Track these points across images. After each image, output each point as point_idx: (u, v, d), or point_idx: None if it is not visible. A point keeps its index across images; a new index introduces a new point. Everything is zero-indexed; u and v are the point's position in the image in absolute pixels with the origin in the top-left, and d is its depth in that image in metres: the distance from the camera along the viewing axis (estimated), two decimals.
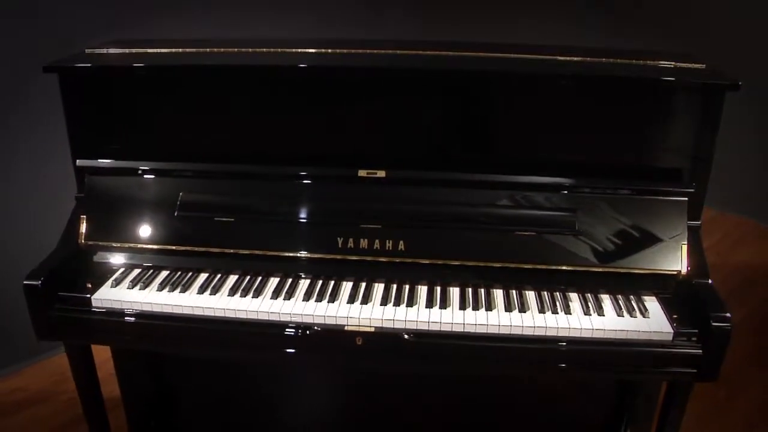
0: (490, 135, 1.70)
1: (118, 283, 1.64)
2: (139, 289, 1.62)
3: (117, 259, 1.72)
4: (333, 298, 1.57)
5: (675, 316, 1.51)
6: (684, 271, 1.55)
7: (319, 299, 1.56)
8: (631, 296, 1.57)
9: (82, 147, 1.75)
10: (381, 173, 1.62)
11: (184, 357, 2.04)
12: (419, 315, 1.51)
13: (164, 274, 1.67)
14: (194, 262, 1.68)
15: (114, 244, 1.70)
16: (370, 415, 2.06)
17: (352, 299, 1.56)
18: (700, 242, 1.60)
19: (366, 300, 1.56)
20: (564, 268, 1.58)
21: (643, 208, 1.59)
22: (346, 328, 1.50)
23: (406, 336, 1.47)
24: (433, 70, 1.70)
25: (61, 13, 2.30)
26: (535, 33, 3.65)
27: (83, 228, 1.70)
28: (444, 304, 1.54)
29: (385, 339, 1.49)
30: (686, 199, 1.57)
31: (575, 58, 1.71)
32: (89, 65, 1.69)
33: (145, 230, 1.69)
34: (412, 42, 1.94)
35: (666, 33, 3.83)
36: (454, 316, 1.50)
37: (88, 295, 1.59)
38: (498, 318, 1.49)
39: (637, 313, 1.51)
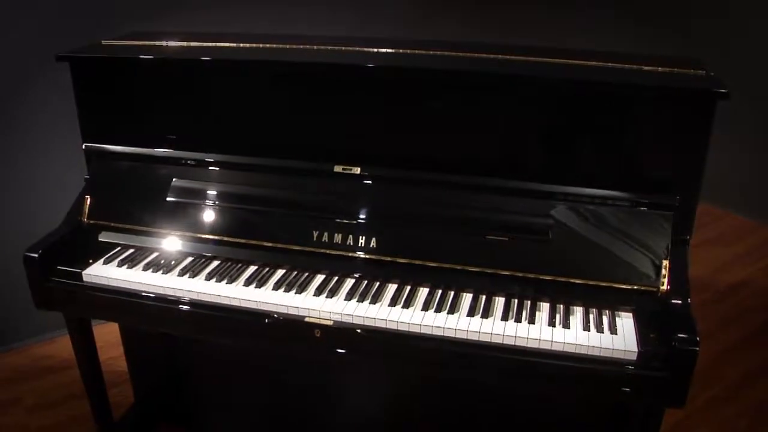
0: (466, 136, 1.66)
1: (109, 260, 1.74)
2: (127, 268, 1.71)
3: (115, 238, 1.80)
4: (302, 289, 1.59)
5: (652, 336, 1.43)
6: (664, 288, 1.46)
7: (288, 290, 1.59)
8: (606, 311, 1.50)
9: (91, 132, 1.86)
10: (356, 170, 1.63)
11: (196, 338, 2.12)
12: (378, 312, 1.50)
13: (153, 255, 1.75)
14: (181, 246, 1.75)
15: (113, 224, 1.80)
16: (377, 404, 2.05)
17: (319, 292, 1.58)
18: (686, 259, 1.50)
19: (332, 294, 1.57)
20: (537, 276, 1.53)
21: (625, 219, 1.51)
22: (306, 319, 1.52)
23: (358, 331, 1.47)
24: (407, 68, 1.69)
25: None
26: (540, 34, 3.54)
27: (87, 207, 1.81)
28: (407, 304, 1.53)
29: (341, 333, 1.49)
30: (671, 212, 1.48)
31: (555, 60, 1.65)
32: (95, 55, 1.80)
33: (140, 213, 1.78)
34: (391, 41, 1.93)
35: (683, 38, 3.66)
36: (412, 317, 1.48)
37: (80, 270, 1.70)
38: (457, 322, 1.46)
39: (605, 329, 1.43)
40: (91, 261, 1.75)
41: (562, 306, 1.52)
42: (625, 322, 1.47)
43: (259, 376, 2.12)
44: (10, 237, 2.43)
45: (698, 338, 1.31)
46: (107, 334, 2.44)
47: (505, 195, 1.57)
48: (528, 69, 1.62)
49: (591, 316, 1.48)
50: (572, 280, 1.51)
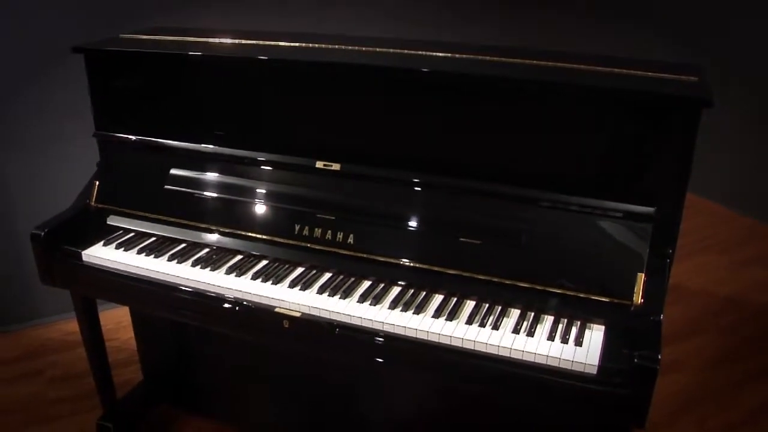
0: (445, 138, 1.65)
1: (109, 243, 1.83)
2: (123, 251, 1.79)
3: (120, 222, 1.89)
4: (278, 280, 1.62)
5: (625, 352, 1.37)
6: (638, 302, 1.40)
7: (266, 280, 1.62)
8: (577, 322, 1.45)
9: (102, 121, 1.96)
10: (336, 166, 1.65)
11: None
12: (345, 308, 1.51)
13: (150, 240, 1.83)
14: (176, 233, 1.81)
15: (117, 209, 1.89)
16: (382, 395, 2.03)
17: (294, 284, 1.60)
18: (664, 273, 1.43)
19: (306, 287, 1.59)
20: (510, 282, 1.50)
21: (603, 228, 1.46)
22: (276, 309, 1.55)
23: (323, 324, 1.49)
24: (391, 68, 1.69)
25: None
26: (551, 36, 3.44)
27: (95, 192, 1.91)
28: (376, 302, 1.53)
29: (307, 325, 1.51)
30: (649, 224, 1.42)
31: (539, 63, 1.61)
32: (106, 48, 1.89)
33: (142, 199, 1.86)
34: (379, 39, 1.94)
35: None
36: (377, 314, 1.49)
37: (80, 250, 1.79)
38: (420, 322, 1.46)
39: (571, 341, 1.39)
40: (96, 242, 1.84)
41: (532, 314, 1.48)
42: (595, 334, 1.42)
43: (267, 364, 2.17)
44: (39, 218, 2.59)
45: (659, 356, 1.25)
46: (128, 315, 2.55)
47: (482, 198, 1.55)
48: (502, 70, 1.59)
49: (560, 326, 1.44)
50: (545, 288, 1.48)
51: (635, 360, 1.25)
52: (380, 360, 1.49)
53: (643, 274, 1.41)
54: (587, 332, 1.42)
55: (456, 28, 3.39)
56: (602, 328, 1.44)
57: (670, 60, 1.68)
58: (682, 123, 1.36)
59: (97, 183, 1.91)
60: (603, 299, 1.44)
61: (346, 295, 1.56)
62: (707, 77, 1.48)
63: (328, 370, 2.04)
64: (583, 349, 1.37)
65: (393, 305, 1.52)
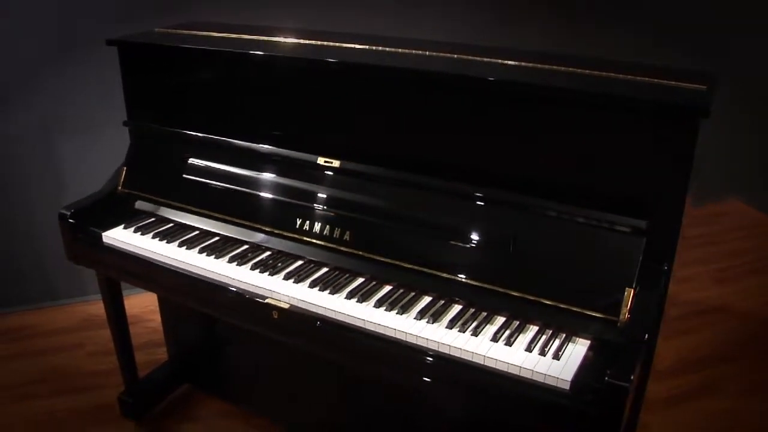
0: (446, 141, 1.63)
1: (129, 226, 1.92)
2: (140, 235, 1.88)
3: (143, 207, 1.99)
4: (275, 272, 1.66)
5: (604, 369, 1.32)
6: (624, 318, 1.34)
7: (263, 271, 1.66)
8: (562, 334, 1.41)
9: (133, 111, 2.07)
10: (336, 163, 1.67)
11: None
12: (332, 303, 1.53)
13: (167, 226, 1.91)
14: (191, 221, 1.89)
15: (142, 194, 1.99)
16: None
17: (288, 277, 1.64)
18: (657, 289, 1.36)
19: (300, 280, 1.62)
20: (500, 289, 1.47)
21: (595, 240, 1.40)
22: (266, 300, 1.58)
23: (309, 317, 1.52)
24: (401, 69, 1.68)
25: None
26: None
27: (122, 178, 2.02)
28: (363, 299, 1.54)
29: (295, 318, 1.54)
30: (642, 237, 1.35)
31: (536, 65, 1.57)
32: (137, 42, 1.98)
33: (163, 187, 1.95)
34: (378, 38, 1.93)
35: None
36: (362, 311, 1.49)
37: (101, 232, 1.90)
38: (400, 322, 1.45)
39: (549, 353, 1.35)
40: (119, 225, 1.94)
41: (517, 322, 1.45)
42: (578, 349, 1.37)
43: (286, 356, 2.19)
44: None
45: (632, 377, 1.19)
46: None
47: (475, 202, 1.53)
48: (498, 72, 1.55)
49: (542, 337, 1.40)
50: (532, 298, 1.43)
51: (606, 378, 1.20)
52: (359, 358, 1.50)
53: (632, 290, 1.34)
54: (570, 346, 1.38)
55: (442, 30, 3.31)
56: (587, 342, 1.39)
57: (690, 67, 1.59)
58: (679, 133, 1.28)
59: (125, 169, 2.02)
60: (590, 313, 1.38)
61: (335, 290, 1.58)
62: (716, 85, 1.39)
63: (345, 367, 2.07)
64: (560, 363, 1.32)
65: (378, 304, 1.52)
